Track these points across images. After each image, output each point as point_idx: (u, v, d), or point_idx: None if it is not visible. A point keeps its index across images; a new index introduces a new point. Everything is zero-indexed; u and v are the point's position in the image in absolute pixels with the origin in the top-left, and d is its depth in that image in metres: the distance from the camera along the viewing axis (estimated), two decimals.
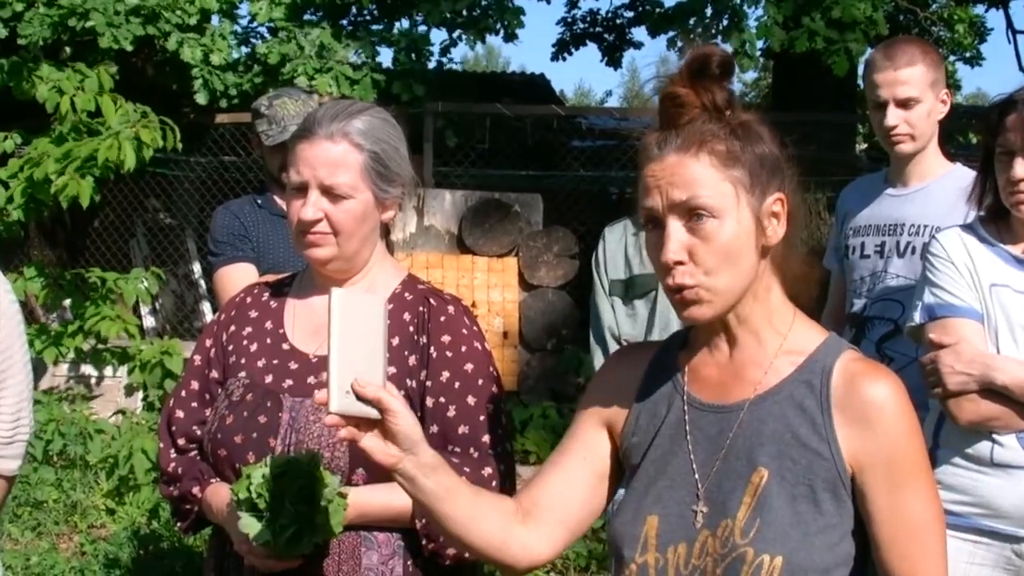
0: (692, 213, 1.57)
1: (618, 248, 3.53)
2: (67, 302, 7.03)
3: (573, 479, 1.78)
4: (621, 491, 1.81)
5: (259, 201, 3.82)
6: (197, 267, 9.69)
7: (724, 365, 1.69)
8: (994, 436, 2.52)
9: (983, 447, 2.53)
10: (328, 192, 2.05)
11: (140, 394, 7.37)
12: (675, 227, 1.58)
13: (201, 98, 8.36)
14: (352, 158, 2.06)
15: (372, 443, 1.57)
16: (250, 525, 1.83)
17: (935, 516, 1.62)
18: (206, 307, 9.62)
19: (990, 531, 2.55)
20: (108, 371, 7.31)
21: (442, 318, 2.10)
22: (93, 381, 7.46)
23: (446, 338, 2.08)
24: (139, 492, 6.14)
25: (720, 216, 1.57)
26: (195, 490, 2.11)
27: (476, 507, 1.69)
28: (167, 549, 5.45)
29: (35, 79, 5.75)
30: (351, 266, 2.14)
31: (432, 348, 2.08)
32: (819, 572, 1.58)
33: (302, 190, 2.07)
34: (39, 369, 7.44)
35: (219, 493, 2.05)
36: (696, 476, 1.65)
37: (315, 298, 2.18)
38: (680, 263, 1.57)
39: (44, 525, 5.93)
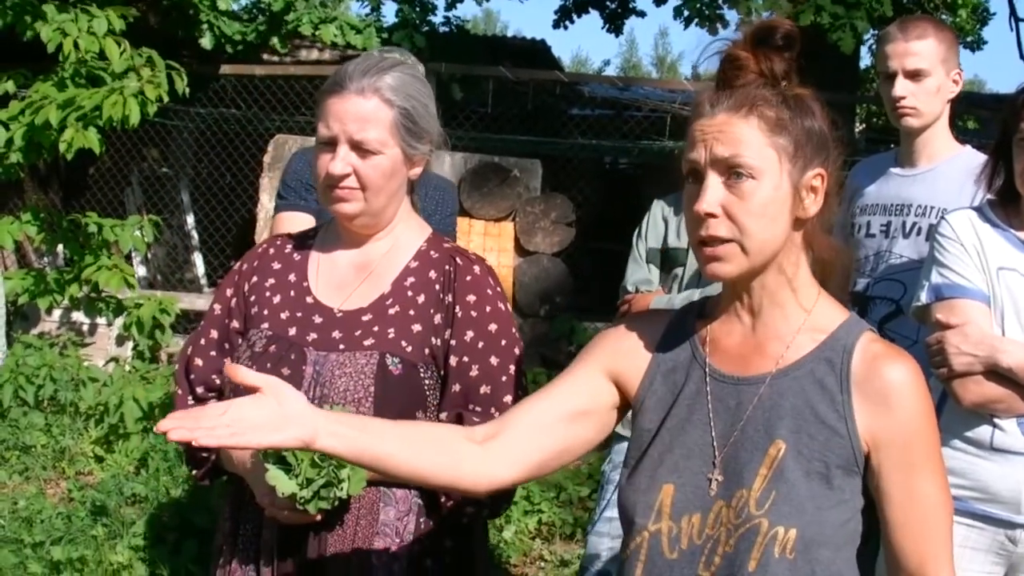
0: (732, 171, 1.60)
1: (660, 219, 3.58)
2: (61, 248, 6.99)
3: (550, 409, 1.77)
4: (621, 450, 1.80)
5: None
6: (190, 218, 9.65)
7: (746, 337, 1.71)
8: (995, 421, 2.53)
9: (983, 431, 2.55)
10: (357, 147, 2.05)
11: (131, 343, 7.36)
12: (714, 182, 1.61)
13: (207, 42, 8.29)
14: (382, 114, 2.05)
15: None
16: (277, 478, 1.85)
17: (946, 501, 1.65)
18: (198, 258, 9.59)
19: (984, 515, 2.56)
20: (100, 319, 7.29)
21: (468, 277, 2.11)
22: (85, 328, 7.43)
23: (471, 298, 2.08)
24: (128, 440, 6.14)
25: (759, 177, 1.60)
26: None
27: (411, 448, 1.67)
28: (153, 498, 5.46)
29: (39, 21, 5.66)
30: (377, 222, 2.14)
31: (457, 307, 2.08)
32: (830, 548, 1.60)
33: (331, 144, 2.06)
34: (32, 315, 7.42)
35: None
36: (714, 446, 1.66)
37: (339, 252, 2.19)
38: (712, 215, 1.60)
39: (32, 470, 5.92)
